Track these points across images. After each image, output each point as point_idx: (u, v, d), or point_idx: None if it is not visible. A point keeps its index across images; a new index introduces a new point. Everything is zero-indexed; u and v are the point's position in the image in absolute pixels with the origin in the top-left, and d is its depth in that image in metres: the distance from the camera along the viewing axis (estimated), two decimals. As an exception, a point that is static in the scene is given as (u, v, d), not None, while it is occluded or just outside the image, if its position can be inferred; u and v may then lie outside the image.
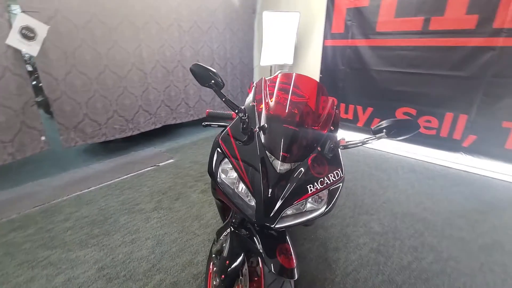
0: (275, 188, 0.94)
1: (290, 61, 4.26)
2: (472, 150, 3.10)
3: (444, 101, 3.18)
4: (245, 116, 1.05)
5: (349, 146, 1.06)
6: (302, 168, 0.98)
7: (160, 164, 3.14)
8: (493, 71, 2.84)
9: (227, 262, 1.17)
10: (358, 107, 3.90)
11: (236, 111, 1.07)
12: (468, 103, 3.03)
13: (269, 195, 0.93)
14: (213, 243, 1.47)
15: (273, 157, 0.98)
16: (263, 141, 1.02)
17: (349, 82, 3.92)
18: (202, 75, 1.09)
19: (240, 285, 1.17)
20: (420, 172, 3.00)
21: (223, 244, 1.31)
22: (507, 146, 2.88)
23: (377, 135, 0.99)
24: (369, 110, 3.78)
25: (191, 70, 1.12)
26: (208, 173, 1.13)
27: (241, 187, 1.02)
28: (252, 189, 0.94)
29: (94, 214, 2.25)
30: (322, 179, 0.98)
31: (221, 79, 1.10)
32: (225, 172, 1.07)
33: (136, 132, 3.28)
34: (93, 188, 2.64)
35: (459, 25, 2.94)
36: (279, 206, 0.93)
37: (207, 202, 2.42)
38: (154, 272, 1.70)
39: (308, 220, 0.98)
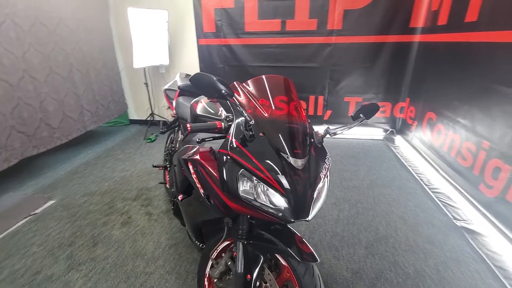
0: (302, 183, 1.01)
1: (165, 61, 4.02)
2: (330, 121, 4.12)
3: (307, 87, 4.02)
4: (251, 122, 1.02)
5: (338, 132, 1.25)
6: (311, 160, 1.09)
7: (38, 210, 2.32)
8: (332, 62, 3.84)
9: (248, 276, 1.14)
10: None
11: (248, 117, 1.02)
12: (322, 86, 3.98)
13: (301, 191, 0.99)
14: (207, 269, 1.35)
15: (288, 156, 1.02)
16: (272, 143, 1.04)
17: (229, 79, 4.14)
18: (207, 86, 0.94)
19: (268, 291, 1.18)
20: (305, 146, 3.71)
21: (227, 263, 1.25)
22: (349, 114, 4.03)
23: (359, 119, 1.23)
24: (252, 101, 4.21)
25: (191, 82, 0.96)
26: (224, 189, 1.03)
27: (263, 193, 1.01)
28: (283, 190, 0.97)
29: (-34, 317, 1.46)
30: (324, 166, 1.14)
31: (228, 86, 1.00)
32: (241, 184, 1.01)
33: (-22, 179, 2.23)
34: None
35: (306, 26, 3.74)
36: (309, 199, 1.01)
37: (138, 234, 2.07)
38: (122, 338, 1.36)
39: (321, 205, 1.12)
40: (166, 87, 2.39)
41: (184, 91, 2.22)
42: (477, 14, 2.40)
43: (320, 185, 1.09)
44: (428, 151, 3.07)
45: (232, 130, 1.09)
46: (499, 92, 2.09)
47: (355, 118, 1.24)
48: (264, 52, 3.94)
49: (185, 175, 1.37)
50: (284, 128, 1.10)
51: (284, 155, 1.03)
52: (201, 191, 1.18)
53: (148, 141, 3.94)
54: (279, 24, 3.77)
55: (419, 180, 2.73)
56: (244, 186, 1.02)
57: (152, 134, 4.09)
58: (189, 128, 1.08)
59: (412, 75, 3.68)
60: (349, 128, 1.23)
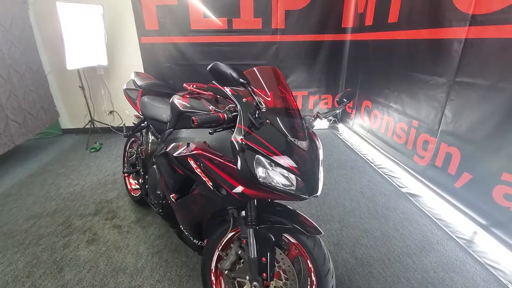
0: (310, 163, 1.11)
1: (104, 61, 3.67)
2: (281, 115, 4.36)
3: (257, 84, 4.17)
4: (263, 109, 1.07)
5: (327, 116, 1.39)
6: (312, 142, 1.20)
7: (-29, 245, 1.90)
8: (279, 59, 4.07)
9: (263, 259, 1.20)
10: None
11: (261, 104, 1.08)
12: (271, 82, 4.18)
13: (310, 170, 1.10)
14: (212, 263, 1.35)
15: (294, 139, 1.12)
16: (277, 128, 1.12)
17: (178, 79, 4.04)
18: (226, 76, 0.97)
19: (279, 271, 1.26)
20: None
21: (238, 252, 1.28)
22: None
23: (343, 103, 1.39)
24: (204, 101, 4.16)
25: (210, 72, 0.96)
26: (241, 177, 1.06)
27: (279, 175, 1.07)
28: (297, 170, 1.06)
29: None
30: (320, 147, 1.27)
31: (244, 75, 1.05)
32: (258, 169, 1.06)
33: None
34: None
35: (252, 25, 3.87)
36: (317, 176, 1.12)
37: (111, 249, 1.89)
38: None
39: (323, 181, 1.24)
40: (125, 87, 2.22)
41: (147, 90, 2.11)
42: (397, 16, 2.88)
43: (320, 163, 1.22)
44: (368, 134, 3.55)
45: (240, 119, 1.12)
46: (420, 79, 2.56)
47: (340, 102, 1.41)
48: (212, 51, 3.94)
49: (181, 172, 1.34)
50: (285, 114, 1.19)
51: (291, 139, 1.12)
52: (209, 184, 1.18)
53: (92, 150, 3.53)
54: (225, 22, 3.81)
55: (366, 159, 3.15)
56: (260, 171, 1.07)
57: (95, 142, 3.69)
58: (196, 122, 1.07)
59: (347, 69, 4.17)
60: (337, 111, 1.40)
